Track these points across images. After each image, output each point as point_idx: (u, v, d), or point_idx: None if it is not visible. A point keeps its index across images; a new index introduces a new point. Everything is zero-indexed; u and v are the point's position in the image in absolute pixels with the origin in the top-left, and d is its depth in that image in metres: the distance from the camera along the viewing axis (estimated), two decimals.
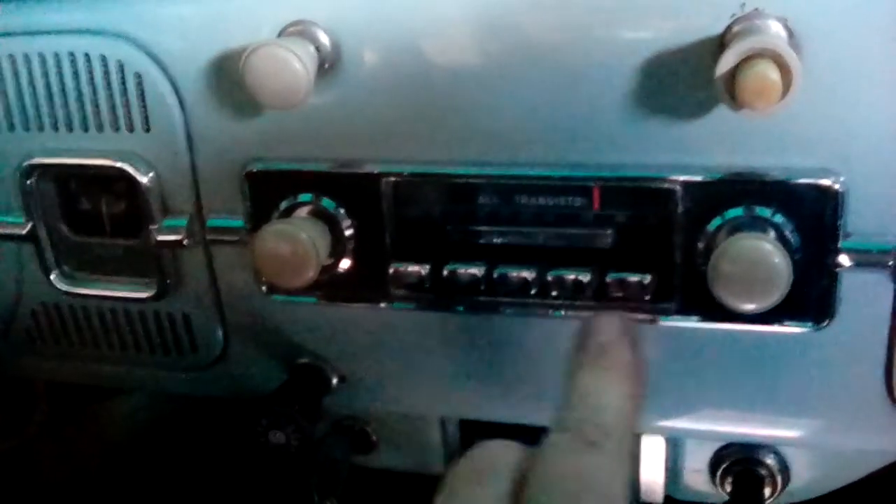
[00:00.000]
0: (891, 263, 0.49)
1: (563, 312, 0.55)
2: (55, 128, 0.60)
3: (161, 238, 0.59)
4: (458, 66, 0.52)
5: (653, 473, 0.64)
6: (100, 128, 0.59)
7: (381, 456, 0.72)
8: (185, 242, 0.59)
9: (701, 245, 0.50)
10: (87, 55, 0.57)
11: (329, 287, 0.58)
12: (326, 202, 0.56)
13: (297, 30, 0.53)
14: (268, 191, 0.57)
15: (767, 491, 0.61)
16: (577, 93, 0.50)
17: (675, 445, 0.64)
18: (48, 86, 0.59)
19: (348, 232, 0.56)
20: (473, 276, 0.54)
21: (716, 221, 0.50)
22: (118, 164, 0.59)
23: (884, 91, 0.47)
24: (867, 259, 0.49)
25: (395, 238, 0.56)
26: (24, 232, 0.63)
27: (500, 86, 0.51)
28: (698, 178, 0.50)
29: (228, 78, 0.54)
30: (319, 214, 0.56)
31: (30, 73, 0.59)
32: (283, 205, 0.56)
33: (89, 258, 0.64)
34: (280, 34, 0.53)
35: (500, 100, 0.51)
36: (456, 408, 0.64)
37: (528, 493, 0.36)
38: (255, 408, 0.60)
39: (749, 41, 0.44)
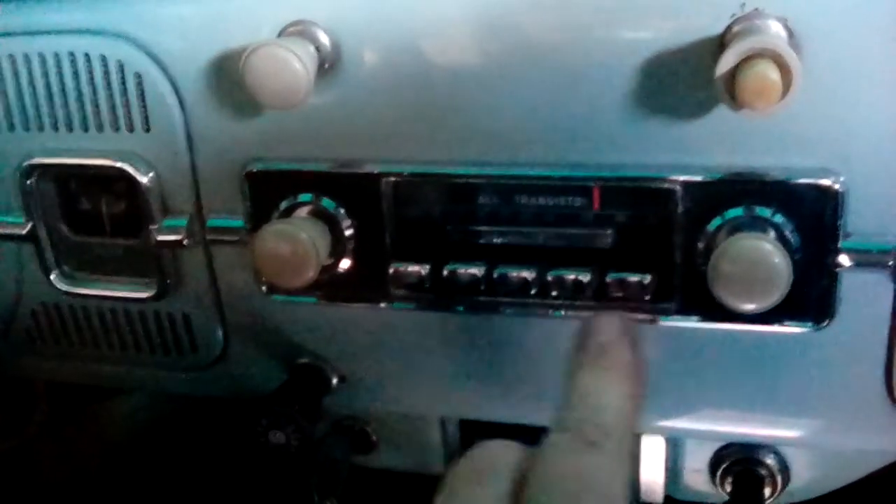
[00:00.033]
0: (891, 263, 0.49)
1: (563, 312, 0.55)
2: (55, 128, 0.60)
3: (161, 238, 0.59)
4: (458, 66, 0.52)
5: (653, 473, 0.64)
6: (100, 128, 0.59)
7: (381, 456, 0.72)
8: (185, 242, 0.59)
9: (701, 245, 0.50)
10: (87, 55, 0.57)
11: (329, 287, 0.58)
12: (326, 202, 0.56)
13: (297, 30, 0.53)
14: (268, 191, 0.57)
15: (767, 491, 0.61)
16: (577, 93, 0.50)
17: (675, 445, 0.64)
18: (48, 86, 0.59)
19: (348, 232, 0.56)
20: (473, 276, 0.54)
21: (716, 221, 0.50)
22: (118, 164, 0.59)
23: (884, 91, 0.47)
24: (867, 259, 0.49)
25: (395, 238, 0.56)
26: (24, 232, 0.63)
27: (500, 86, 0.51)
28: (698, 178, 0.50)
29: (228, 78, 0.54)
30: (319, 214, 0.56)
31: (30, 72, 0.59)
32: (283, 205, 0.56)
33: (89, 258, 0.64)
34: (280, 34, 0.53)
35: (500, 100, 0.51)
36: (456, 408, 0.64)
37: (528, 493, 0.36)
38: (255, 408, 0.60)
39: (749, 41, 0.44)
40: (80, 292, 0.64)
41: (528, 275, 0.53)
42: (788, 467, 0.62)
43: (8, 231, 0.63)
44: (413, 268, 0.56)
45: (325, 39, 0.52)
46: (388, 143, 0.54)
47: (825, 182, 0.48)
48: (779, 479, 0.61)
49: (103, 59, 0.57)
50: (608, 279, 0.52)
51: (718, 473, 0.62)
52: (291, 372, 0.63)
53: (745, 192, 0.49)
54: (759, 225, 0.49)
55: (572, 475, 0.36)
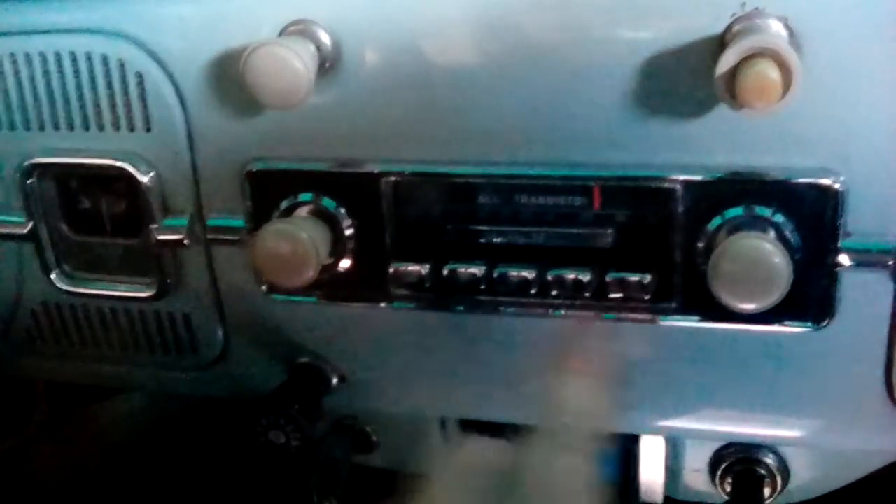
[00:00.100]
0: (891, 263, 0.49)
1: (563, 312, 0.55)
2: (56, 127, 0.60)
3: (161, 237, 0.59)
4: (458, 66, 0.52)
5: (653, 473, 0.64)
6: (100, 127, 0.59)
7: (381, 456, 0.72)
8: (185, 242, 0.59)
9: (701, 244, 0.50)
10: (87, 55, 0.57)
11: (329, 287, 0.58)
12: (327, 202, 0.56)
13: (298, 29, 0.53)
14: (268, 190, 0.57)
15: (767, 491, 0.61)
16: (577, 93, 0.50)
17: (674, 445, 0.64)
18: (49, 85, 0.59)
19: (348, 231, 0.56)
20: (473, 275, 0.54)
21: (716, 221, 0.50)
22: (119, 164, 0.59)
23: (884, 91, 0.47)
24: (867, 259, 0.49)
25: (395, 238, 0.56)
26: (24, 231, 0.63)
27: (500, 86, 0.51)
28: (698, 178, 0.50)
29: (229, 77, 0.54)
30: (320, 214, 0.56)
31: (31, 72, 0.59)
32: (284, 204, 0.56)
33: (90, 258, 0.64)
34: (281, 33, 0.53)
35: (500, 100, 0.52)
36: (456, 408, 0.64)
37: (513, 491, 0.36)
38: (255, 408, 0.60)
39: (749, 40, 0.44)
40: (80, 292, 0.64)
41: (528, 274, 0.53)
42: (788, 467, 0.62)
43: (8, 230, 0.63)
44: (413, 267, 0.56)
45: (325, 39, 0.52)
46: (388, 143, 0.54)
47: (825, 181, 0.48)
48: (778, 478, 0.61)
49: (104, 59, 0.57)
50: (608, 279, 0.52)
51: (718, 473, 0.63)
52: (291, 372, 0.63)
53: (745, 191, 0.49)
54: (759, 224, 0.49)
55: (555, 474, 0.36)
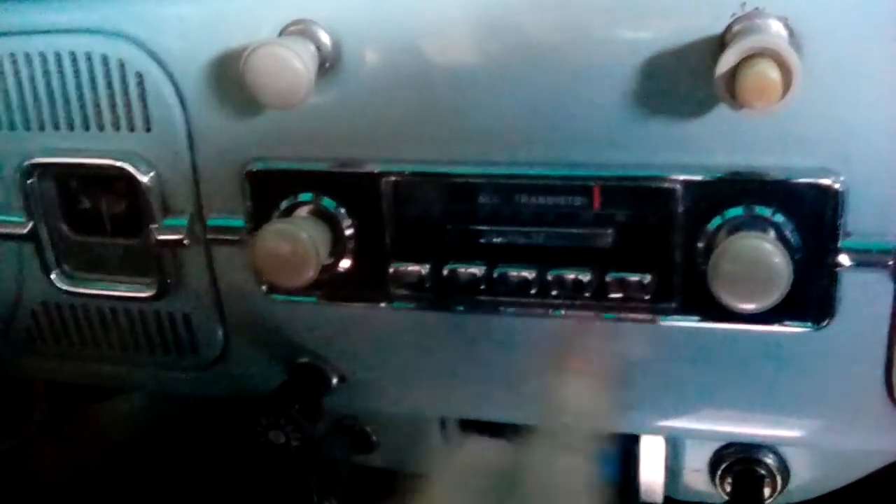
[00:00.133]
0: (891, 263, 0.49)
1: (562, 312, 0.54)
2: (56, 127, 0.60)
3: (161, 237, 0.59)
4: (458, 66, 0.52)
5: (653, 473, 0.64)
6: (100, 127, 0.59)
7: (381, 456, 0.72)
8: (185, 242, 0.59)
9: (701, 244, 0.50)
10: (87, 54, 0.57)
11: (329, 287, 0.58)
12: (327, 202, 0.56)
13: (298, 29, 0.53)
14: (268, 190, 0.57)
15: (767, 491, 0.61)
16: (577, 93, 0.50)
17: (674, 445, 0.64)
18: (49, 85, 0.59)
19: (348, 231, 0.56)
20: (473, 275, 0.54)
21: (716, 221, 0.50)
22: (119, 164, 0.59)
23: (884, 91, 0.47)
24: (867, 258, 0.49)
25: (395, 238, 0.56)
26: (24, 231, 0.63)
27: (500, 86, 0.51)
28: (698, 178, 0.50)
29: (229, 77, 0.54)
30: (320, 214, 0.56)
31: (31, 72, 0.59)
32: (284, 204, 0.56)
33: (90, 258, 0.64)
34: (281, 33, 0.53)
35: (500, 100, 0.52)
36: (456, 408, 0.64)
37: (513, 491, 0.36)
38: (255, 408, 0.60)
39: (749, 40, 0.44)
40: (80, 292, 0.64)
41: (528, 274, 0.53)
42: (788, 467, 0.62)
43: (8, 230, 0.63)
44: (413, 267, 0.56)
45: (325, 39, 0.52)
46: (388, 143, 0.54)
47: (825, 181, 0.48)
48: (778, 478, 0.61)
49: (104, 59, 0.57)
50: (608, 279, 0.52)
51: (718, 473, 0.62)
52: (291, 372, 0.63)
53: (745, 191, 0.49)
54: (759, 224, 0.49)
55: (554, 474, 0.37)
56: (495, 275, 0.54)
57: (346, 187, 0.55)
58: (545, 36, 0.50)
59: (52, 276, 0.64)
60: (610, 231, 0.53)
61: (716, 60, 0.45)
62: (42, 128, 0.60)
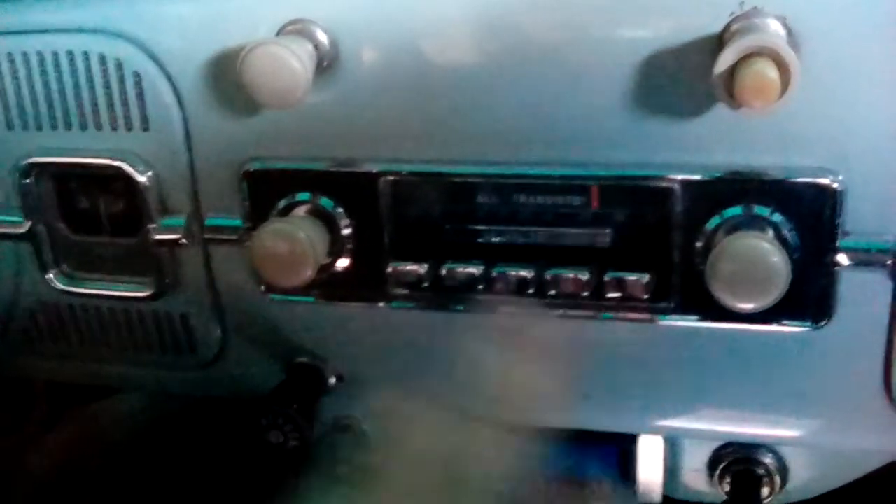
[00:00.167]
0: (889, 262, 0.49)
1: (561, 311, 0.54)
2: (54, 127, 0.60)
3: (159, 237, 0.59)
4: (457, 66, 0.52)
5: (651, 473, 0.63)
6: (98, 127, 0.59)
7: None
8: (183, 241, 0.59)
9: (699, 244, 0.50)
10: (85, 54, 0.57)
11: (327, 286, 0.58)
12: (324, 201, 0.56)
13: (296, 28, 0.53)
14: (266, 190, 0.57)
15: (766, 490, 0.61)
16: (576, 92, 0.50)
17: (673, 445, 0.64)
18: (47, 84, 0.59)
19: (346, 231, 0.56)
20: (472, 275, 0.54)
21: (714, 220, 0.50)
22: (116, 163, 0.59)
23: (882, 90, 0.47)
24: (866, 258, 0.49)
25: (393, 237, 0.56)
26: (22, 231, 0.63)
27: (499, 85, 0.51)
28: (697, 177, 0.50)
29: (227, 77, 0.54)
30: (317, 213, 0.56)
31: (28, 71, 0.59)
32: (282, 204, 0.56)
33: (88, 257, 0.64)
34: (278, 33, 0.53)
35: (499, 99, 0.51)
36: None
37: None
38: (254, 407, 0.60)
39: (748, 39, 0.44)
40: (78, 291, 0.64)
41: (526, 274, 0.53)
42: (787, 467, 0.61)
43: (6, 230, 0.63)
44: (411, 267, 0.56)
45: (323, 38, 0.52)
46: (386, 142, 0.54)
47: (824, 181, 0.48)
48: (777, 478, 0.61)
49: (102, 58, 0.57)
50: (606, 278, 0.52)
51: (717, 473, 0.62)
52: (289, 371, 0.63)
53: (743, 190, 0.49)
54: (757, 224, 0.49)
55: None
56: (494, 274, 0.54)
57: (344, 187, 0.55)
58: (543, 35, 0.50)
59: (50, 276, 0.64)
60: (608, 231, 0.53)
61: (715, 59, 0.45)
62: (40, 127, 0.60)
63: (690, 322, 0.53)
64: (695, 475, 0.64)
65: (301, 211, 0.56)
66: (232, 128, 0.56)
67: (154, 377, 0.68)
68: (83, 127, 0.59)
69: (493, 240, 0.55)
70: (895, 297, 0.50)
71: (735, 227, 0.49)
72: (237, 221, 0.58)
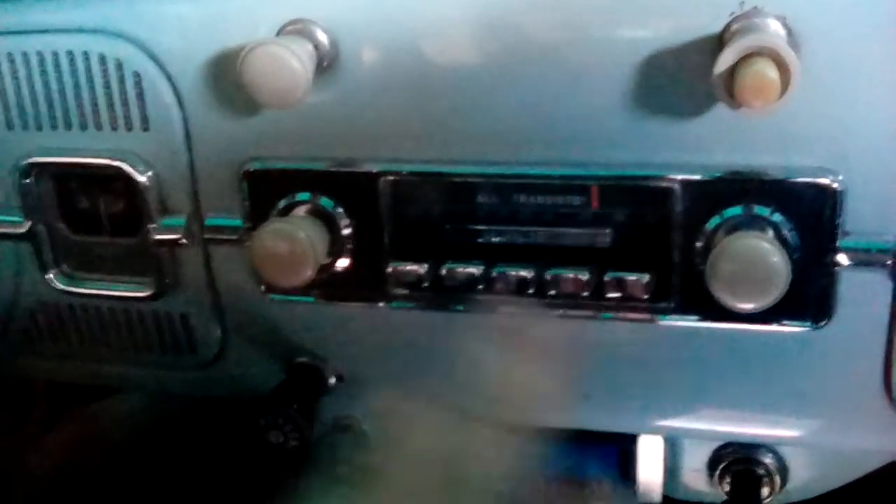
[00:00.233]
0: (889, 262, 0.49)
1: (561, 311, 0.54)
2: (54, 127, 0.60)
3: (159, 237, 0.59)
4: (457, 66, 0.52)
5: (651, 473, 0.63)
6: (98, 127, 0.59)
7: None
8: (183, 241, 0.59)
9: (699, 244, 0.50)
10: (85, 54, 0.57)
11: (327, 286, 0.58)
12: (325, 201, 0.56)
13: (296, 28, 0.53)
14: (266, 190, 0.57)
15: (766, 490, 0.61)
16: (576, 92, 0.50)
17: (673, 445, 0.64)
18: (47, 84, 0.59)
19: (346, 231, 0.56)
20: (472, 275, 0.54)
21: (714, 220, 0.50)
22: (116, 163, 0.59)
23: (882, 90, 0.47)
24: (866, 258, 0.49)
25: (393, 237, 0.56)
26: (22, 231, 0.63)
27: (499, 85, 0.51)
28: (697, 177, 0.50)
29: (227, 77, 0.54)
30: (317, 213, 0.56)
31: (28, 71, 0.59)
32: (282, 204, 0.56)
33: (88, 257, 0.64)
34: (278, 33, 0.53)
35: (499, 99, 0.51)
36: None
37: None
38: (254, 407, 0.60)
39: (748, 39, 0.44)
40: (78, 291, 0.64)
41: (526, 274, 0.53)
42: (787, 467, 0.61)
43: (6, 230, 0.63)
44: (411, 267, 0.56)
45: (323, 38, 0.52)
46: (386, 142, 0.54)
47: (824, 181, 0.48)
48: (777, 478, 0.61)
49: (102, 58, 0.57)
50: (606, 278, 0.52)
51: (717, 473, 0.62)
52: (289, 371, 0.63)
53: (743, 190, 0.49)
54: (757, 224, 0.49)
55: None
56: (494, 274, 0.54)
57: (344, 187, 0.55)
58: (543, 35, 0.50)
59: (50, 276, 0.64)
60: (608, 231, 0.53)
61: (714, 60, 0.45)
62: (40, 127, 0.60)
63: (690, 322, 0.53)
64: (695, 475, 0.64)
65: (301, 211, 0.56)
66: (232, 128, 0.56)
67: (154, 377, 0.68)
68: (83, 127, 0.59)
69: (493, 240, 0.55)
70: (895, 297, 0.50)
71: (735, 227, 0.49)
72: (237, 221, 0.58)
